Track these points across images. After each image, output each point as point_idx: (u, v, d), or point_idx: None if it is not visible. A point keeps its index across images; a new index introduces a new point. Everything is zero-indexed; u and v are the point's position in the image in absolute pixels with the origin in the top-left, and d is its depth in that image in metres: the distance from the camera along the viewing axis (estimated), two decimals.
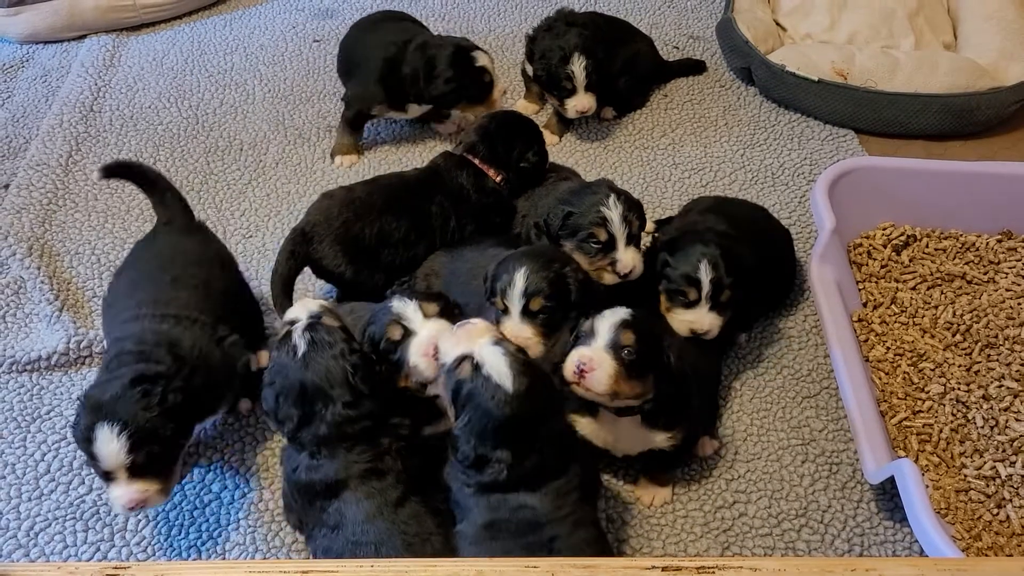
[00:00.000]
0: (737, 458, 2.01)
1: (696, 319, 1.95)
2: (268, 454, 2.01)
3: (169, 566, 1.51)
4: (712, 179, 2.72)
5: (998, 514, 1.87)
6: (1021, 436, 1.97)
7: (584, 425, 1.82)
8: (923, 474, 1.90)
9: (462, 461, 1.57)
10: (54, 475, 1.97)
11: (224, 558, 1.85)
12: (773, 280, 2.23)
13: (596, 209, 1.98)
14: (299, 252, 2.15)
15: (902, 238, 2.39)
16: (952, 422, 2.02)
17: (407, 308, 1.76)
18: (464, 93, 2.61)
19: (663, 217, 2.46)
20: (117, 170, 2.15)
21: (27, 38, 3.24)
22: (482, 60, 2.60)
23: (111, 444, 1.62)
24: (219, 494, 1.95)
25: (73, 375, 2.16)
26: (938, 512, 1.86)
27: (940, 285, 2.31)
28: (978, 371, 2.10)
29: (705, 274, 1.93)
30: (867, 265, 2.36)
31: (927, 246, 2.40)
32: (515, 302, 1.82)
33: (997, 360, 2.12)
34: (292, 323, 1.73)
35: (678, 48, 3.22)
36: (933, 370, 2.11)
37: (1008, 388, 2.05)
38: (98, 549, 1.85)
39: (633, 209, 2.01)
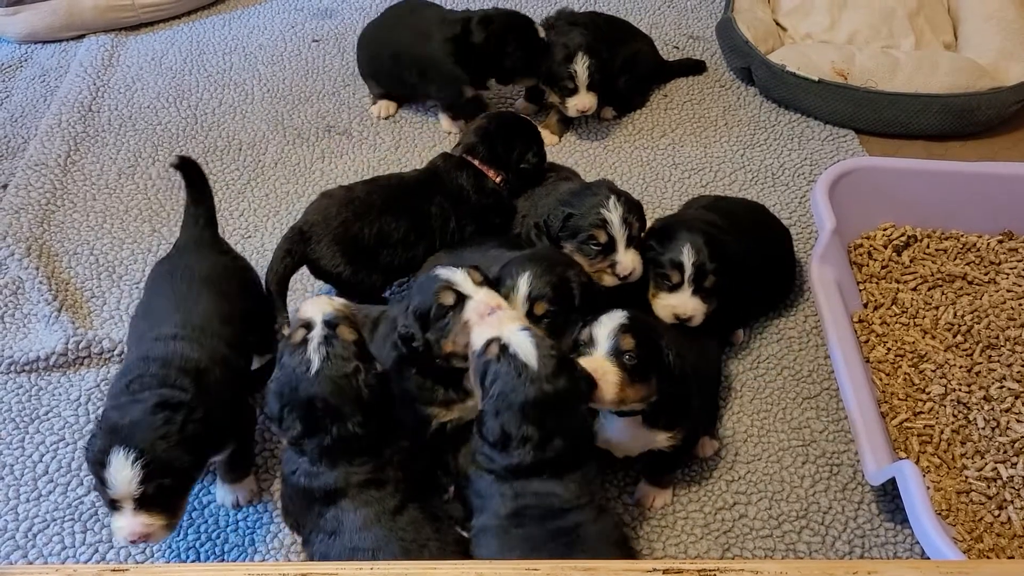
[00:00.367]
0: (737, 459, 2.01)
1: (679, 303, 1.95)
2: (267, 455, 2.00)
3: (167, 568, 1.51)
4: (712, 179, 2.71)
5: (999, 515, 1.86)
6: (1022, 437, 1.96)
7: None
8: (924, 475, 1.90)
9: (487, 437, 1.58)
10: (52, 476, 1.96)
11: (223, 560, 1.84)
12: (772, 278, 2.23)
13: (596, 211, 1.97)
14: (296, 251, 2.14)
15: (903, 239, 2.38)
16: (953, 423, 2.01)
17: (456, 275, 1.75)
18: (532, 63, 2.67)
19: (663, 217, 2.46)
20: (187, 167, 2.11)
21: (26, 38, 3.23)
22: (542, 32, 2.69)
23: (124, 471, 1.56)
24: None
25: (71, 376, 2.15)
26: (939, 514, 1.85)
27: (941, 286, 2.31)
28: (979, 372, 2.10)
29: (688, 258, 1.93)
30: (868, 266, 2.36)
31: (928, 247, 2.39)
32: (519, 306, 1.80)
33: (998, 361, 2.11)
34: (307, 325, 1.69)
35: (678, 48, 3.21)
36: (934, 371, 2.11)
37: (1009, 389, 2.05)
38: (96, 550, 1.84)
39: (633, 211, 2.00)
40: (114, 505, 1.60)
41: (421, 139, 2.85)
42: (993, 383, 2.07)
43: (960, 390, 2.06)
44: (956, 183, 2.40)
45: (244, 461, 1.90)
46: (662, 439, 1.80)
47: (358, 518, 1.61)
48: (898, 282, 2.32)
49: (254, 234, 2.53)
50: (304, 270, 2.23)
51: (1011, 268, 2.33)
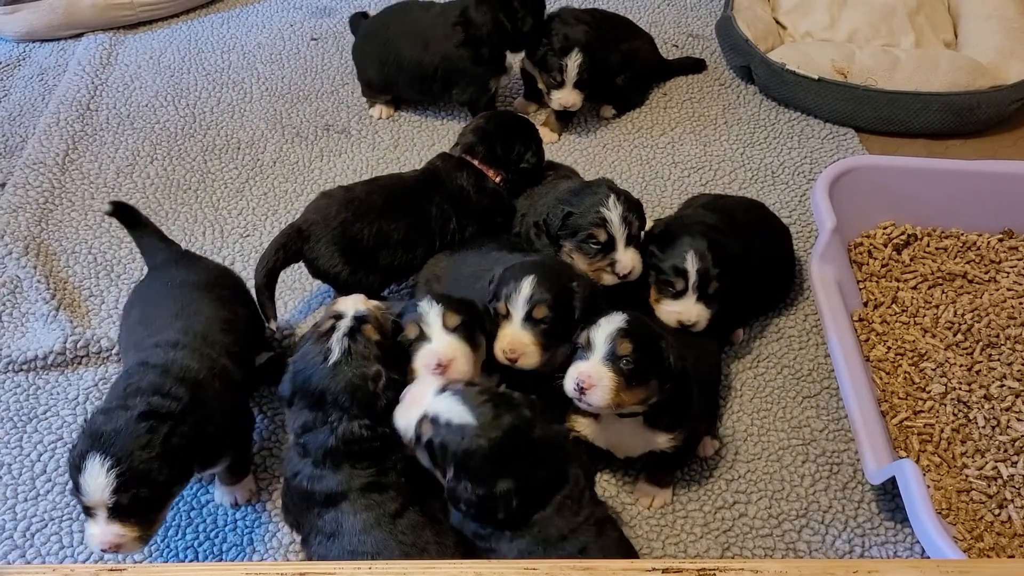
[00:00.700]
0: (737, 458, 2.01)
1: (683, 310, 1.95)
2: (266, 455, 2.00)
3: (165, 568, 1.50)
4: (712, 178, 2.71)
5: (1000, 514, 1.86)
6: (1023, 436, 1.96)
7: (585, 426, 1.81)
8: (924, 474, 1.89)
9: (468, 511, 1.54)
10: (50, 475, 1.96)
11: (221, 559, 1.84)
12: (771, 276, 2.22)
13: (596, 210, 1.97)
14: (291, 247, 2.13)
15: (903, 237, 2.38)
16: (953, 422, 2.01)
17: (430, 312, 1.74)
18: (541, 12, 2.70)
19: (663, 216, 2.45)
20: (120, 211, 2.09)
21: (24, 36, 3.23)
22: None
23: (98, 479, 1.51)
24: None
25: (69, 375, 2.15)
26: (939, 513, 1.85)
27: (941, 284, 2.30)
28: (979, 371, 2.09)
29: (692, 264, 1.93)
30: (868, 264, 2.35)
31: (928, 245, 2.39)
32: (518, 308, 1.80)
33: (998, 360, 2.11)
34: (337, 316, 1.69)
35: (677, 46, 3.21)
36: (934, 370, 2.10)
37: (1010, 388, 2.05)
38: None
39: (633, 210, 2.00)
40: (88, 512, 1.57)
41: (420, 138, 2.84)
42: (993, 382, 2.06)
43: (960, 389, 2.06)
44: (956, 181, 2.39)
45: (242, 467, 1.89)
46: (664, 440, 1.79)
47: (358, 521, 1.60)
48: (898, 281, 2.31)
49: (252, 233, 2.52)
50: (304, 271, 2.22)
51: (1011, 267, 2.32)
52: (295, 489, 1.68)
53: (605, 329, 1.69)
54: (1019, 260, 2.33)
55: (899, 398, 2.06)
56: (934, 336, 2.18)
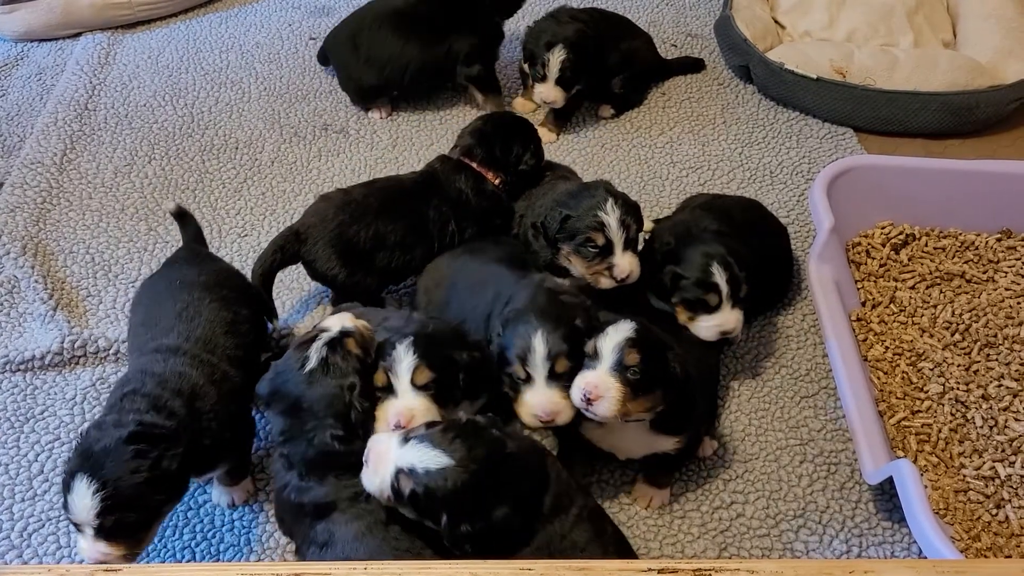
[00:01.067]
0: (735, 458, 2.00)
1: (723, 321, 1.95)
2: (263, 455, 2.00)
3: (160, 568, 1.50)
4: (710, 178, 2.71)
5: (997, 514, 1.86)
6: (1020, 436, 1.96)
7: (589, 429, 1.81)
8: (922, 474, 1.89)
9: (470, 546, 1.50)
10: (48, 476, 1.96)
11: (219, 559, 1.84)
12: (769, 276, 2.22)
13: (594, 213, 1.96)
14: (288, 249, 2.14)
15: (901, 237, 2.38)
16: (951, 422, 2.01)
17: (402, 364, 1.68)
18: None
19: (661, 216, 2.45)
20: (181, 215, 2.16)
21: (22, 36, 3.22)
22: None
23: (84, 500, 1.51)
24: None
25: (67, 375, 2.15)
26: (937, 513, 1.85)
27: (939, 284, 2.30)
28: (977, 371, 2.09)
29: (720, 276, 1.93)
30: (866, 264, 2.35)
31: (926, 245, 2.39)
32: (539, 369, 1.70)
33: (996, 359, 2.11)
34: (322, 330, 1.68)
35: (676, 46, 3.21)
36: (932, 370, 2.10)
37: (1007, 388, 2.04)
38: None
39: (631, 213, 1.99)
40: (77, 527, 1.57)
41: (418, 137, 2.84)
42: (991, 382, 2.06)
43: (958, 389, 2.06)
44: (954, 181, 2.39)
45: (241, 471, 1.89)
46: (668, 444, 1.79)
47: (350, 530, 1.59)
48: (896, 280, 2.31)
49: (251, 232, 2.52)
50: (303, 271, 2.23)
51: (1009, 266, 2.32)
52: (284, 502, 1.68)
53: (613, 339, 1.67)
54: (1017, 260, 2.33)
55: (897, 398, 2.06)
56: (932, 336, 2.18)
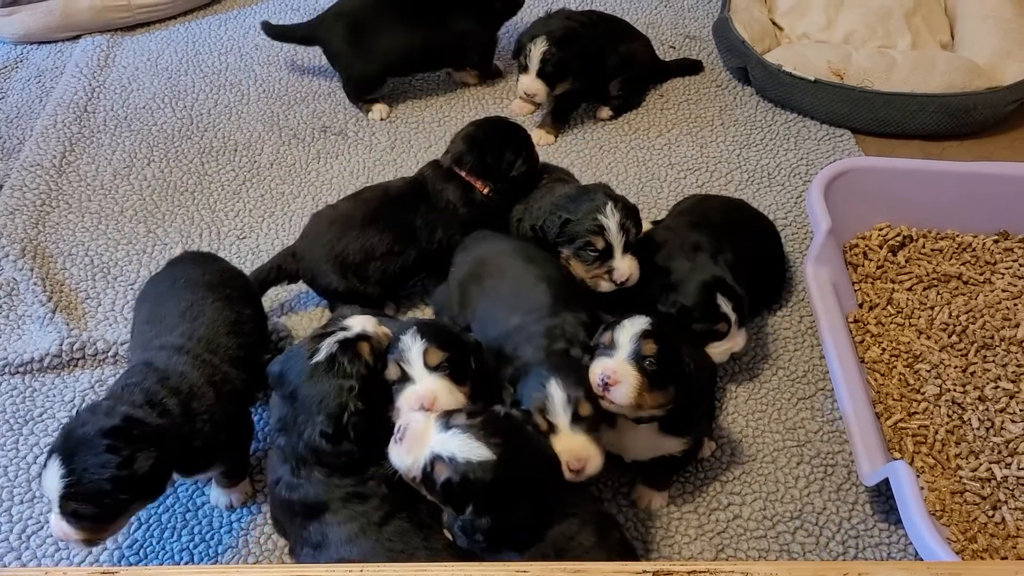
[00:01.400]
0: (732, 460, 2.01)
1: (732, 344, 2.01)
2: (262, 456, 2.00)
3: (157, 571, 1.51)
4: (708, 179, 2.71)
5: (993, 516, 1.86)
6: (1017, 437, 1.96)
7: None
8: (918, 476, 1.89)
9: (485, 538, 1.51)
10: None
11: (217, 561, 1.84)
12: (760, 276, 2.22)
13: (593, 217, 1.97)
14: (285, 268, 2.22)
15: (898, 239, 2.38)
16: (948, 424, 2.01)
17: (411, 351, 1.69)
18: None
19: (659, 218, 2.46)
20: None
21: (21, 38, 3.23)
22: None
23: (51, 481, 1.54)
24: None
25: (66, 377, 2.15)
26: (933, 514, 1.85)
27: (936, 286, 2.30)
28: (974, 372, 2.10)
29: (727, 306, 1.95)
30: (863, 266, 2.35)
31: (923, 247, 2.39)
32: (561, 416, 1.64)
33: (993, 361, 2.11)
34: (343, 328, 1.68)
35: (675, 48, 3.21)
36: (929, 371, 2.10)
37: (1004, 389, 2.05)
38: (90, 552, 1.84)
39: (630, 216, 2.00)
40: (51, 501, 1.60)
41: (417, 139, 2.85)
42: (988, 383, 2.06)
43: (955, 390, 2.06)
44: (952, 183, 2.39)
45: (238, 473, 1.89)
46: (675, 445, 1.79)
47: (343, 532, 1.59)
48: (893, 282, 2.31)
49: (249, 235, 2.53)
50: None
51: (1006, 268, 2.32)
52: (276, 498, 1.69)
53: (630, 329, 1.68)
54: (1014, 262, 2.33)
55: (894, 399, 2.06)
56: (929, 337, 2.18)
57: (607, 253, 1.98)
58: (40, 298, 2.30)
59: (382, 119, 2.90)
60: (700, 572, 1.23)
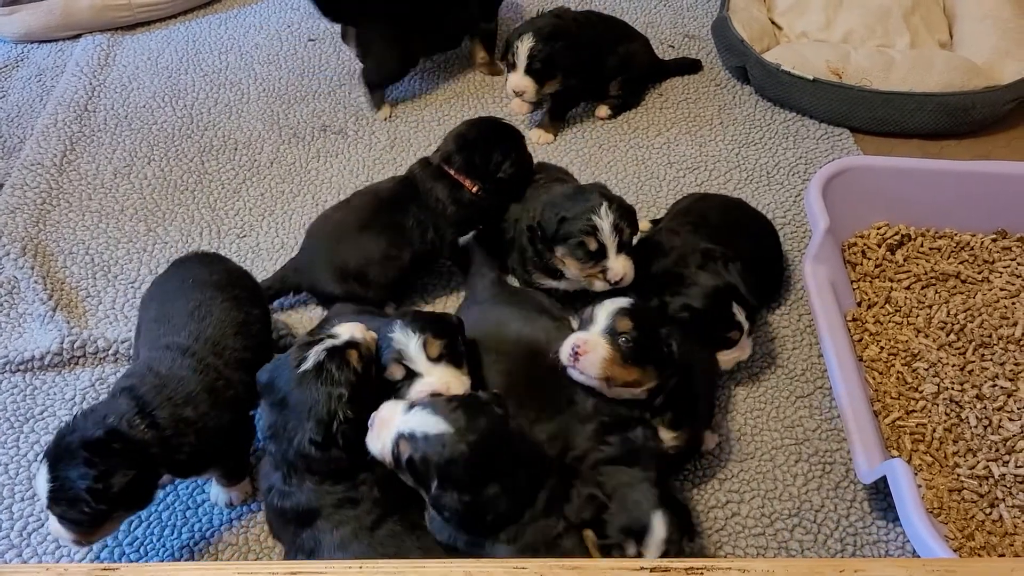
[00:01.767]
0: (730, 458, 2.01)
1: (741, 352, 2.03)
2: (263, 454, 2.00)
3: (158, 568, 1.50)
4: (707, 178, 2.71)
5: (991, 513, 1.87)
6: (1014, 436, 1.97)
7: None
8: (916, 474, 1.90)
9: (453, 518, 1.53)
10: None
11: (217, 559, 1.85)
12: (758, 275, 2.22)
13: (587, 216, 1.97)
14: (288, 280, 2.25)
15: (896, 237, 2.39)
16: (945, 422, 2.02)
17: (410, 345, 1.71)
18: None
19: (658, 217, 2.46)
20: None
21: (22, 37, 3.23)
22: None
23: (41, 485, 1.58)
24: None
25: (67, 375, 2.16)
26: (931, 512, 1.86)
27: (934, 284, 2.31)
28: (972, 371, 2.10)
29: (741, 314, 1.97)
30: (861, 264, 2.36)
31: (922, 245, 2.40)
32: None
33: (991, 360, 2.12)
34: (331, 336, 1.68)
35: (673, 47, 3.21)
36: (927, 370, 2.11)
37: (1001, 388, 2.05)
38: (90, 549, 1.85)
39: (625, 217, 2.00)
40: None
41: (416, 138, 2.85)
42: (985, 382, 2.07)
43: (953, 389, 2.07)
44: (950, 182, 2.40)
45: (237, 474, 1.90)
46: (668, 438, 1.80)
47: (335, 537, 1.60)
48: (892, 281, 2.32)
49: (249, 233, 2.53)
50: None
51: (1004, 267, 2.33)
52: (269, 506, 1.69)
53: (608, 307, 1.74)
54: (1012, 260, 2.34)
55: (892, 398, 2.07)
56: (927, 336, 2.18)
57: (601, 253, 1.99)
58: (41, 296, 2.30)
59: (387, 119, 2.90)
60: (698, 569, 1.24)
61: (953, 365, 2.11)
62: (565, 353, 1.71)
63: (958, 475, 1.93)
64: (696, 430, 1.88)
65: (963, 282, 2.31)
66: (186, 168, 2.74)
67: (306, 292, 2.29)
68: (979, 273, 2.33)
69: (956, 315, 2.21)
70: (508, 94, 2.79)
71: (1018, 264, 2.33)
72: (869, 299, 2.28)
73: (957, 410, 2.03)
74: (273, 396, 1.65)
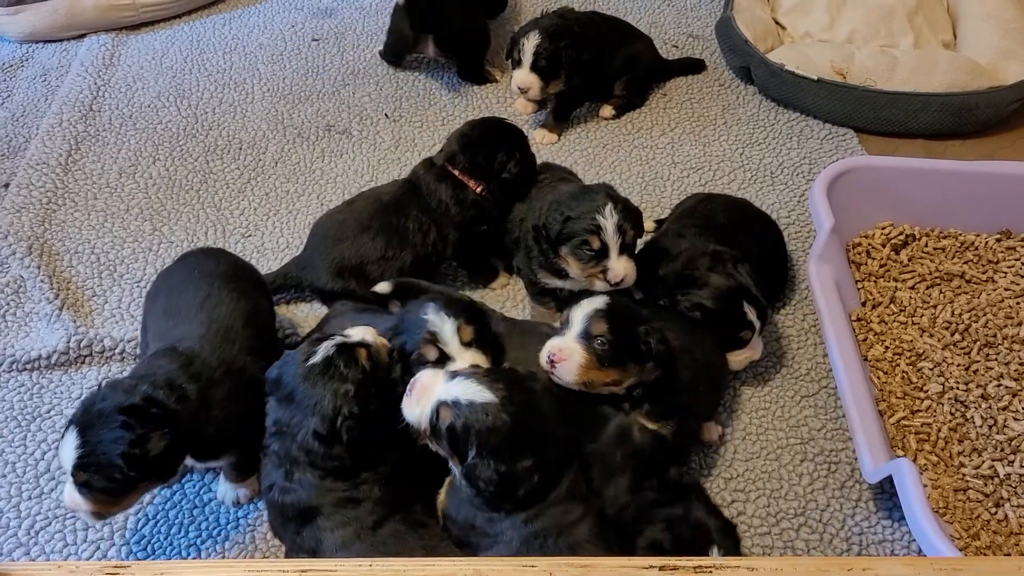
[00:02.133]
0: (736, 457, 2.02)
1: (752, 352, 2.03)
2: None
3: (169, 565, 1.51)
4: (711, 178, 2.72)
5: (996, 513, 1.87)
6: (1019, 435, 1.97)
7: None
8: (921, 473, 1.90)
9: (487, 488, 1.53)
10: (54, 474, 1.97)
11: (224, 557, 1.85)
12: (764, 275, 2.22)
13: (591, 216, 1.97)
14: (291, 275, 2.27)
15: (901, 237, 2.39)
16: (951, 421, 2.02)
17: (444, 328, 1.74)
18: None
19: (662, 217, 2.47)
20: None
21: (27, 37, 3.24)
22: None
23: (67, 452, 1.58)
24: None
25: (73, 374, 2.17)
26: (936, 511, 1.86)
27: (939, 284, 2.31)
28: (977, 370, 2.11)
29: (753, 315, 1.97)
30: (866, 264, 2.36)
31: (926, 245, 2.40)
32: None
33: (996, 359, 2.12)
34: (343, 335, 1.69)
35: (677, 47, 3.22)
36: (932, 369, 2.11)
37: (1007, 387, 2.06)
38: (98, 548, 1.86)
39: (629, 218, 2.00)
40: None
41: (421, 138, 2.86)
42: (991, 381, 2.07)
43: (958, 388, 2.07)
44: (954, 182, 2.40)
45: (248, 466, 1.89)
46: (652, 428, 1.79)
47: (336, 537, 1.60)
48: (896, 281, 2.32)
49: (255, 233, 2.54)
50: None
51: (1009, 267, 2.33)
52: (270, 503, 1.70)
53: (583, 309, 1.75)
54: (1016, 260, 2.34)
55: (897, 397, 2.07)
56: (932, 336, 2.19)
57: (603, 253, 1.99)
58: (47, 296, 2.31)
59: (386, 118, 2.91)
60: (706, 567, 1.24)
61: (958, 365, 2.11)
62: (543, 359, 1.72)
63: (963, 475, 1.93)
64: (685, 422, 1.87)
65: (967, 282, 2.32)
66: (191, 168, 2.74)
67: (307, 289, 2.29)
68: (983, 273, 2.33)
69: (961, 315, 2.21)
70: (513, 91, 2.80)
71: (1022, 264, 2.34)
72: (874, 299, 2.28)
73: (962, 410, 2.04)
74: (280, 391, 1.66)
